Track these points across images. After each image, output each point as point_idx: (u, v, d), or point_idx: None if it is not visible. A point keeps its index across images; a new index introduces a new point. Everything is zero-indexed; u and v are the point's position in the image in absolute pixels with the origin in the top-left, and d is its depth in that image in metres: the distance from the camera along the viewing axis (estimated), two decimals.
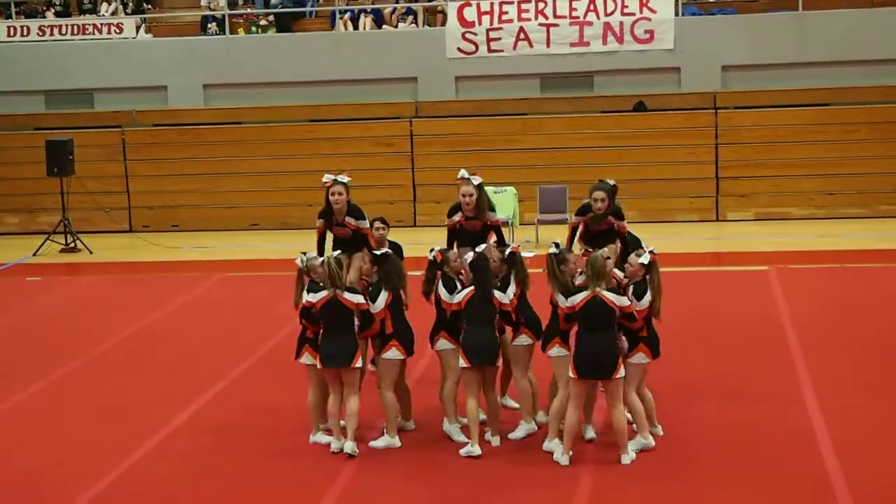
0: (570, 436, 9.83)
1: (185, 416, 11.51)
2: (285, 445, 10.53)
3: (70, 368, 13.49)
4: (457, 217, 11.30)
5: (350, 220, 11.26)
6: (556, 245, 10.11)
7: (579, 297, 9.70)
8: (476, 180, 11.25)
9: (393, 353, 10.33)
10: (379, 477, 9.79)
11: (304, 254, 10.57)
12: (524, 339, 10.36)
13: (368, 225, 11.43)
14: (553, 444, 10.02)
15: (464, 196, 11.17)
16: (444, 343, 10.39)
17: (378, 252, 10.50)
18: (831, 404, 11.05)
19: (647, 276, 9.99)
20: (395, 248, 11.48)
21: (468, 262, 10.29)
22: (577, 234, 11.74)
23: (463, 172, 11.29)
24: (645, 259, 9.97)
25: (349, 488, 9.59)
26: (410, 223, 22.54)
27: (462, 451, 10.11)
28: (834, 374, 12.09)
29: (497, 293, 10.17)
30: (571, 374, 9.72)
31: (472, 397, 10.16)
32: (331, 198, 11.18)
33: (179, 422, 11.35)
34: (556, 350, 10.03)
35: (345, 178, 11.25)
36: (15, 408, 12.12)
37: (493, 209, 11.49)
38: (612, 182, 11.66)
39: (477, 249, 10.31)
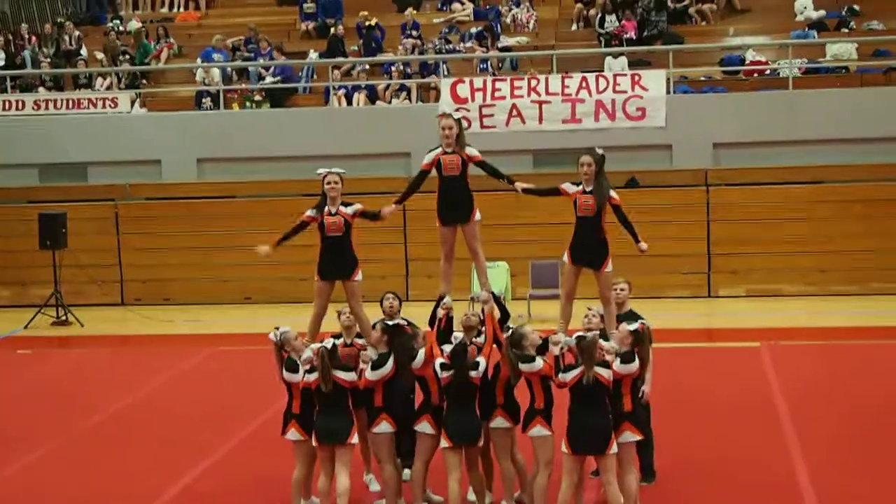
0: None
1: (176, 490, 11.45)
2: None
3: (60, 442, 13.41)
4: (436, 152, 11.08)
5: (343, 209, 11.02)
6: (508, 328, 10.14)
7: (571, 374, 9.68)
8: (457, 115, 11.06)
9: (384, 426, 10.29)
10: None
11: (277, 328, 10.58)
12: (501, 422, 10.28)
13: (360, 205, 11.18)
14: None
15: (444, 129, 10.97)
16: (425, 426, 10.36)
17: (389, 322, 10.48)
18: (824, 484, 11.00)
19: (636, 347, 9.95)
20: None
21: (450, 350, 10.30)
22: (545, 192, 11.51)
23: (444, 108, 11.22)
24: (632, 327, 9.95)
25: None
26: (403, 298, 22.45)
27: None
28: (827, 454, 12.04)
29: (472, 372, 10.14)
30: (565, 450, 9.68)
31: (453, 478, 10.08)
32: (326, 186, 10.98)
33: (170, 495, 11.29)
34: (537, 430, 9.96)
35: (340, 170, 11.14)
36: (4, 482, 12.04)
37: (469, 145, 11.19)
38: (600, 150, 11.13)
39: (454, 338, 10.35)
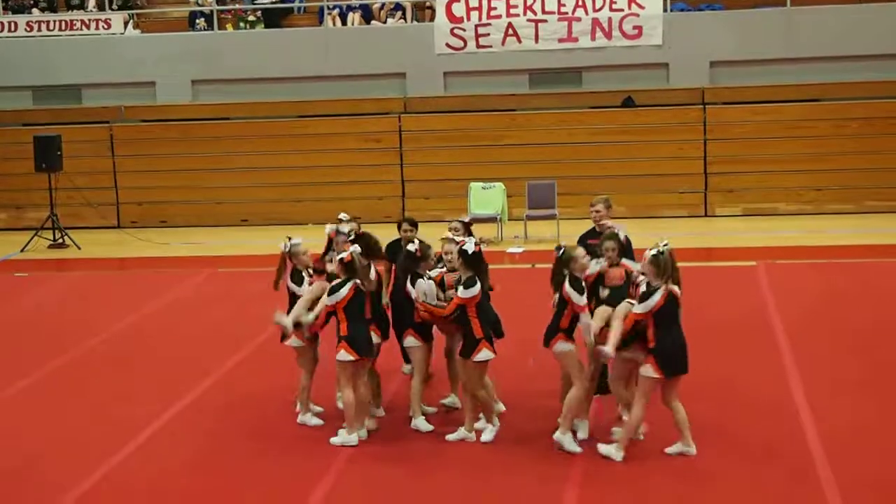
0: (630, 432, 9.84)
1: (174, 412, 11.49)
2: (275, 439, 10.52)
3: (58, 364, 13.46)
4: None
5: None
6: (558, 248, 10.05)
7: (656, 298, 9.59)
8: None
9: (342, 354, 10.26)
10: (371, 468, 9.81)
11: (289, 238, 10.64)
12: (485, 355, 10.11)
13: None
14: (565, 438, 10.00)
15: (445, 254, 10.63)
16: (412, 341, 10.58)
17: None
18: (819, 400, 11.07)
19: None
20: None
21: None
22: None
23: (448, 233, 10.90)
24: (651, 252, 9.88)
25: (341, 480, 9.59)
26: (399, 219, 22.48)
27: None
28: (822, 370, 12.10)
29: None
30: (655, 375, 9.60)
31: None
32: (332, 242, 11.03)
33: (168, 417, 11.33)
34: (560, 345, 9.91)
35: (346, 228, 11.05)
36: (2, 403, 12.10)
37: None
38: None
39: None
